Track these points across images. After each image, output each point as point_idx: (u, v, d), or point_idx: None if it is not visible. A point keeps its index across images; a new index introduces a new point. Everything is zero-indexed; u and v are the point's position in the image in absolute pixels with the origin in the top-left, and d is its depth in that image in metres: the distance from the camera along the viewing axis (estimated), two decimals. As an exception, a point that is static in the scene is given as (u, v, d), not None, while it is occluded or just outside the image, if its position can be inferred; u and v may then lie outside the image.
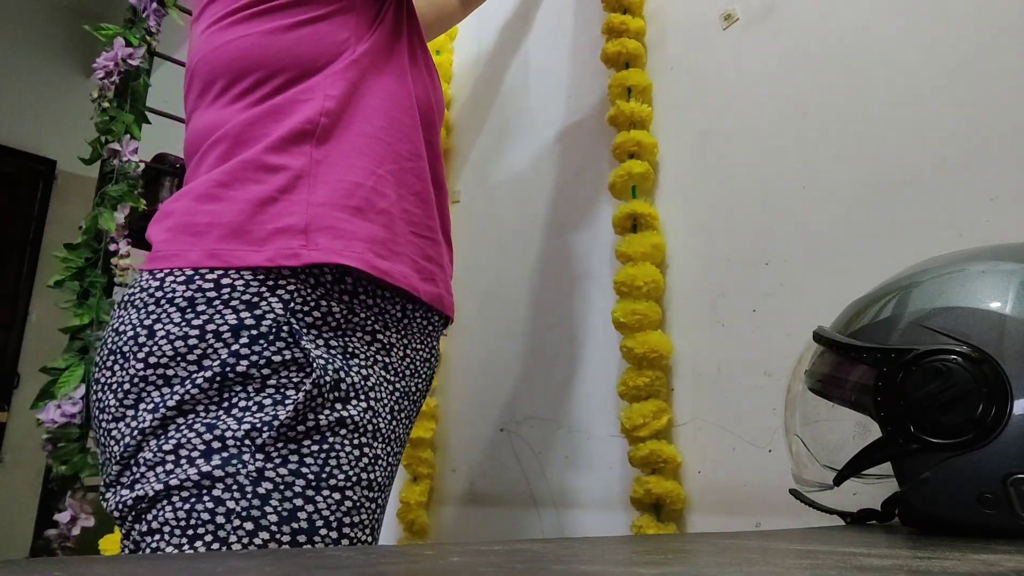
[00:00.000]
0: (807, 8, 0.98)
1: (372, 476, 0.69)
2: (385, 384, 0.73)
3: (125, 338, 0.67)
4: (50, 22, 3.34)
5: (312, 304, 0.69)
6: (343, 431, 0.67)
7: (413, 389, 0.79)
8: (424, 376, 0.81)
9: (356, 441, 0.68)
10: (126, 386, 0.66)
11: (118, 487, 0.65)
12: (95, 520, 1.35)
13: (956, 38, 0.84)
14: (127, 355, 0.66)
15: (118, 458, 0.65)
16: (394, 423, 0.74)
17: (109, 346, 0.68)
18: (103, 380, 0.68)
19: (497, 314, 1.29)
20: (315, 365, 0.66)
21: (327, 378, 0.67)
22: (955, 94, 0.83)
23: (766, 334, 0.93)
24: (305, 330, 0.68)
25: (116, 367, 0.67)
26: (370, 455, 0.69)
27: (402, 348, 0.77)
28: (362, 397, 0.70)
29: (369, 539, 0.69)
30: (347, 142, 0.73)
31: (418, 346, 0.80)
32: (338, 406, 0.67)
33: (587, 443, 1.10)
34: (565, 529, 1.12)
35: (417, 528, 1.28)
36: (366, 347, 0.73)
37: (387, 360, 0.75)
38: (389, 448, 0.73)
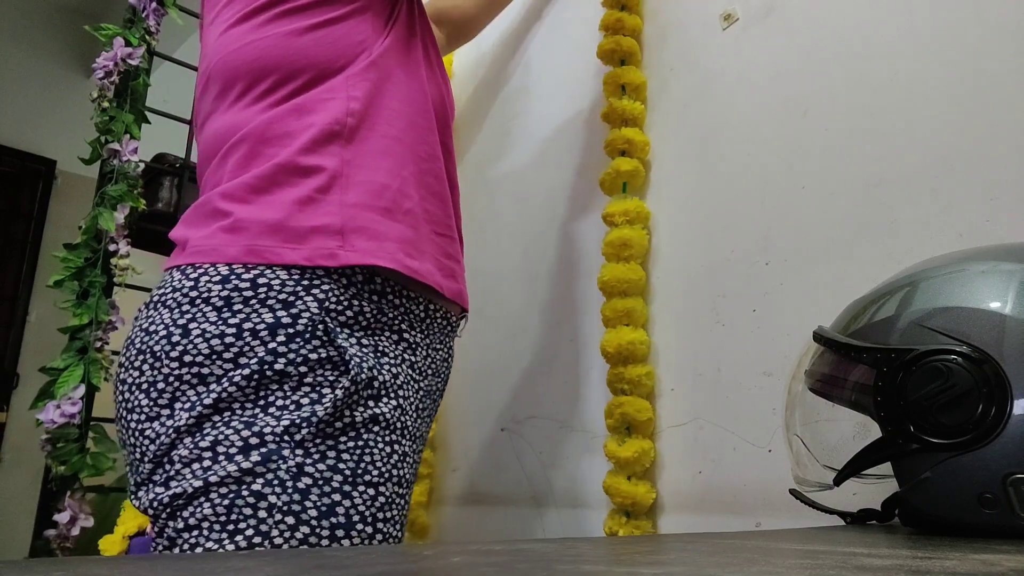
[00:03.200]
0: (807, 8, 0.98)
1: (401, 472, 0.70)
2: (412, 383, 0.75)
3: (156, 337, 0.67)
4: (50, 22, 3.34)
5: (345, 304, 0.70)
6: (376, 428, 0.68)
7: (434, 388, 0.80)
8: (443, 376, 0.83)
9: (388, 438, 0.69)
10: (160, 385, 0.66)
11: (151, 485, 0.66)
12: (94, 520, 1.35)
13: (956, 38, 0.84)
14: (159, 355, 0.67)
15: (151, 456, 0.66)
16: (419, 421, 0.76)
17: (138, 346, 0.68)
18: (130, 380, 0.68)
19: (497, 313, 1.29)
20: (352, 363, 0.67)
21: (363, 376, 0.68)
22: (955, 94, 0.83)
23: (766, 334, 0.93)
24: (339, 329, 0.69)
25: (145, 367, 0.67)
26: (400, 452, 0.71)
27: (425, 348, 0.78)
28: (392, 395, 0.71)
29: (399, 534, 0.71)
30: (373, 143, 0.75)
31: (438, 346, 0.81)
32: (371, 403, 0.69)
33: (588, 442, 1.10)
34: (567, 529, 1.12)
35: (417, 528, 1.28)
36: (394, 346, 0.74)
37: (413, 359, 0.76)
38: (415, 445, 0.74)
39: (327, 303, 0.69)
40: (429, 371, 0.79)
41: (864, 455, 0.57)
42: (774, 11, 1.01)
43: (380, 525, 0.67)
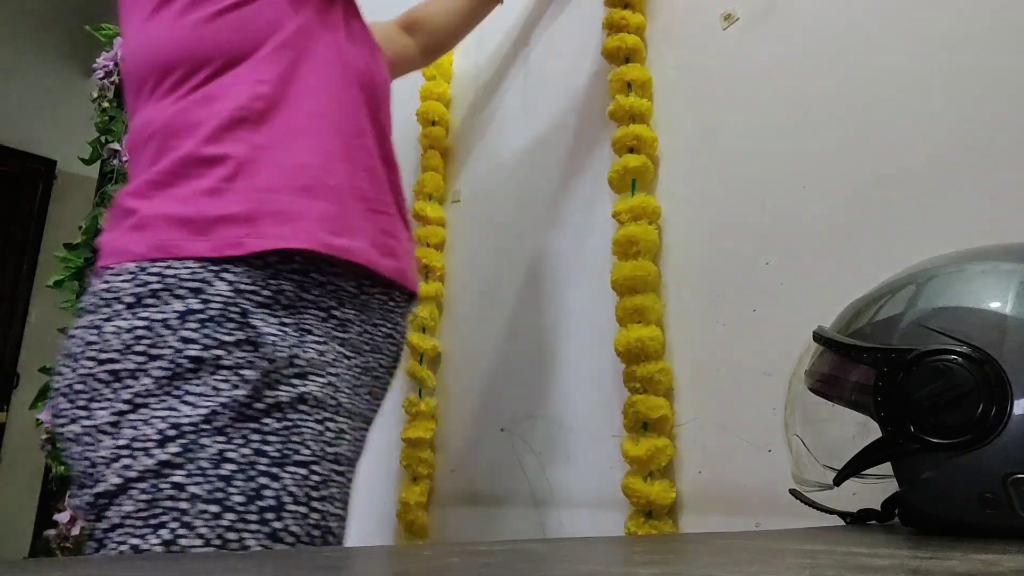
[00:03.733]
0: (807, 8, 0.97)
1: (338, 450, 0.69)
2: (344, 360, 0.73)
3: (76, 340, 0.67)
4: (50, 22, 3.34)
5: (261, 284, 0.68)
6: (304, 407, 0.67)
7: (375, 365, 0.78)
8: (388, 352, 0.80)
9: (319, 416, 0.68)
10: (77, 386, 0.66)
11: (84, 488, 0.65)
12: (94, 520, 1.35)
13: (957, 38, 0.84)
14: (76, 356, 0.66)
15: (78, 458, 0.65)
16: (356, 398, 0.74)
17: (63, 352, 0.69)
18: (55, 386, 0.68)
19: (497, 313, 1.29)
20: (266, 341, 0.66)
21: (281, 354, 0.67)
22: (955, 94, 0.83)
23: (766, 334, 0.93)
24: (255, 309, 0.67)
25: (66, 370, 0.67)
26: (335, 429, 0.69)
27: (360, 324, 0.76)
28: (320, 373, 0.69)
29: (341, 512, 0.69)
30: (289, 123, 0.73)
31: (378, 322, 0.79)
32: (296, 382, 0.67)
33: (588, 443, 1.10)
34: (565, 529, 1.12)
35: (417, 528, 1.28)
36: (321, 323, 0.72)
37: (343, 336, 0.74)
38: (353, 422, 0.73)
39: (240, 284, 0.67)
40: (365, 348, 0.77)
41: (864, 455, 0.57)
42: (774, 11, 1.01)
43: (316, 504, 0.66)
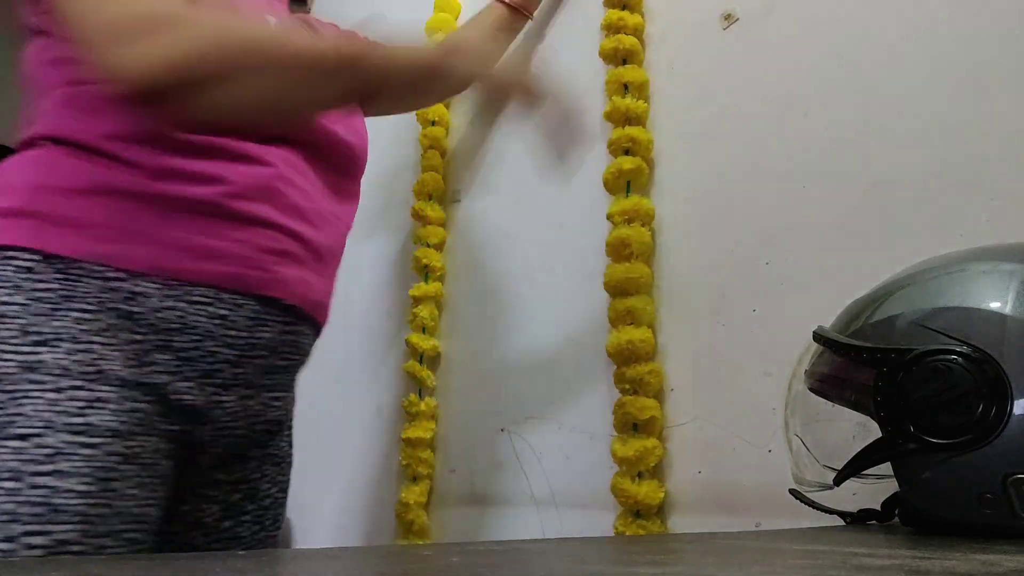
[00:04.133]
0: (807, 8, 0.97)
1: (87, 420, 0.65)
2: (123, 333, 0.69)
3: None
4: (50, 22, 3.33)
5: (20, 247, 0.68)
6: (36, 375, 0.64)
7: (188, 347, 0.72)
8: (221, 339, 0.74)
9: (58, 384, 0.65)
10: None
11: None
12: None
13: (957, 38, 0.84)
14: None
15: None
16: (141, 372, 0.70)
17: None
18: None
19: (497, 314, 1.29)
20: None
21: (12, 322, 0.65)
22: (955, 94, 0.83)
23: (766, 334, 0.93)
24: (14, 274, 0.67)
25: None
26: (86, 398, 0.65)
27: (164, 299, 0.71)
28: (71, 340, 0.67)
29: (87, 488, 0.64)
30: (85, 137, 0.73)
31: (200, 299, 0.73)
32: (27, 350, 0.65)
33: (587, 443, 1.10)
34: (566, 530, 1.12)
35: (417, 528, 1.28)
36: (97, 292, 0.69)
37: (128, 309, 0.70)
38: (131, 392, 0.68)
39: (8, 251, 0.68)
40: (172, 326, 0.71)
41: (864, 455, 0.57)
42: (774, 11, 1.01)
43: (41, 479, 0.62)
